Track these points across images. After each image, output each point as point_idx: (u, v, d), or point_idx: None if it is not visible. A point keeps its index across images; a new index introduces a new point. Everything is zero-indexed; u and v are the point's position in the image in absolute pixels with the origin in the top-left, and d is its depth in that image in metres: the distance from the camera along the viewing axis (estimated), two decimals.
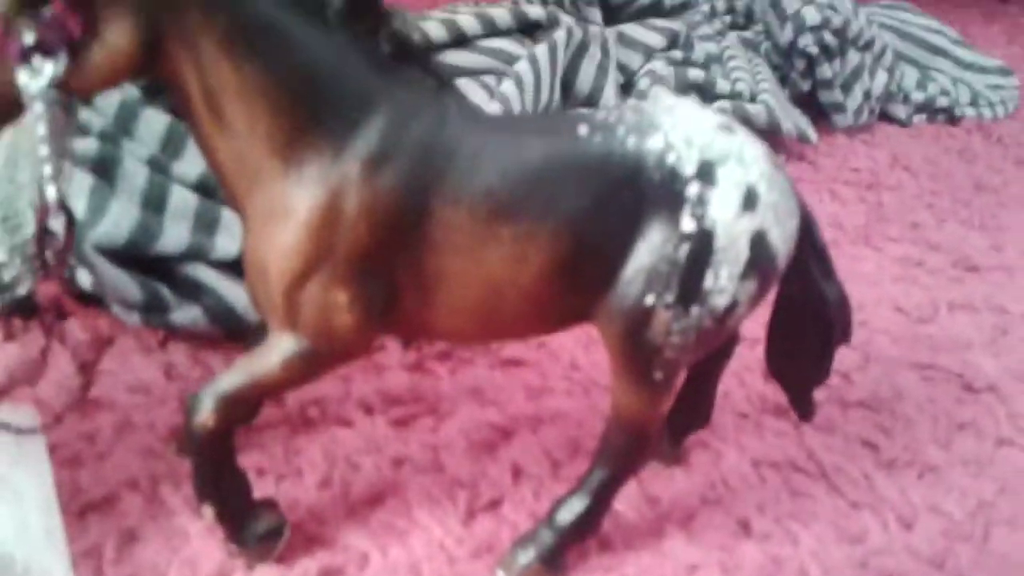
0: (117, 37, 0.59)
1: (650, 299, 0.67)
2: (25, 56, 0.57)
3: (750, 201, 0.67)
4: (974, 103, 2.09)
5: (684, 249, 0.66)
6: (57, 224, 0.64)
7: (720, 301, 0.67)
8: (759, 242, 0.67)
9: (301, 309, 0.65)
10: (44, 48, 0.58)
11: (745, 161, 0.68)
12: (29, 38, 0.57)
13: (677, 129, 0.68)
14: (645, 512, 0.85)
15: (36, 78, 0.58)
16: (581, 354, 1.05)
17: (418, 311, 0.68)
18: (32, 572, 0.65)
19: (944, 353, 1.16)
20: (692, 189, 0.66)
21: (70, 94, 0.61)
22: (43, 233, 0.64)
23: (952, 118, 2.04)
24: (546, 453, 0.90)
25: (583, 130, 0.68)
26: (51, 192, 0.63)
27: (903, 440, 0.99)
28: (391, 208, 0.64)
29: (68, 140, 0.65)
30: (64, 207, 0.64)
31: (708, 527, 0.84)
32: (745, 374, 1.04)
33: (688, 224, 0.66)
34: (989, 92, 2.13)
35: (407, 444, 0.88)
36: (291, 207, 0.64)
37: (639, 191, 0.67)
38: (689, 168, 0.67)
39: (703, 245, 0.66)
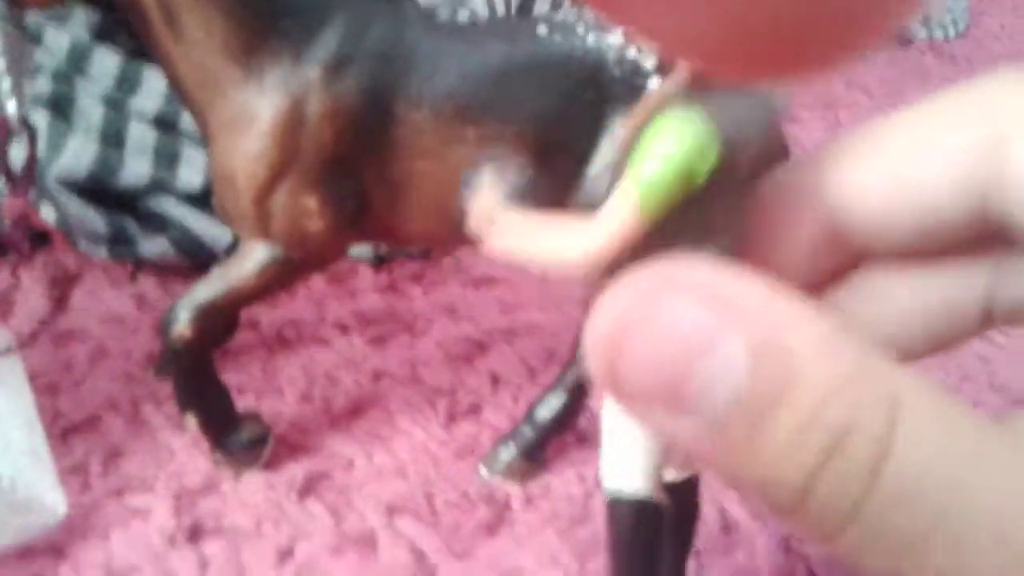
0: None
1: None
2: None
3: None
4: (925, 24, 2.12)
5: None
6: (19, 139, 0.64)
7: None
8: None
9: (271, 216, 0.66)
10: None
11: None
12: None
13: None
14: None
15: None
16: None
17: (388, 214, 0.68)
18: (19, 487, 0.65)
19: None
20: (653, 83, 0.67)
21: (22, 7, 0.60)
22: (4, 149, 0.64)
23: (905, 40, 2.06)
24: (522, 361, 0.91)
25: (542, 30, 0.68)
26: (11, 107, 0.62)
27: None
28: (354, 111, 0.64)
29: (26, 58, 0.64)
30: (25, 122, 0.64)
31: None
32: None
33: None
34: (940, 13, 2.16)
35: (385, 359, 0.89)
36: (254, 115, 0.63)
37: (601, 88, 0.67)
38: (649, 62, 0.67)
39: None
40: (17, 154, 0.65)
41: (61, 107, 1.00)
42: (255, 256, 0.68)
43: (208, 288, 0.68)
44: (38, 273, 0.91)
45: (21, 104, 0.63)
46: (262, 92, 0.63)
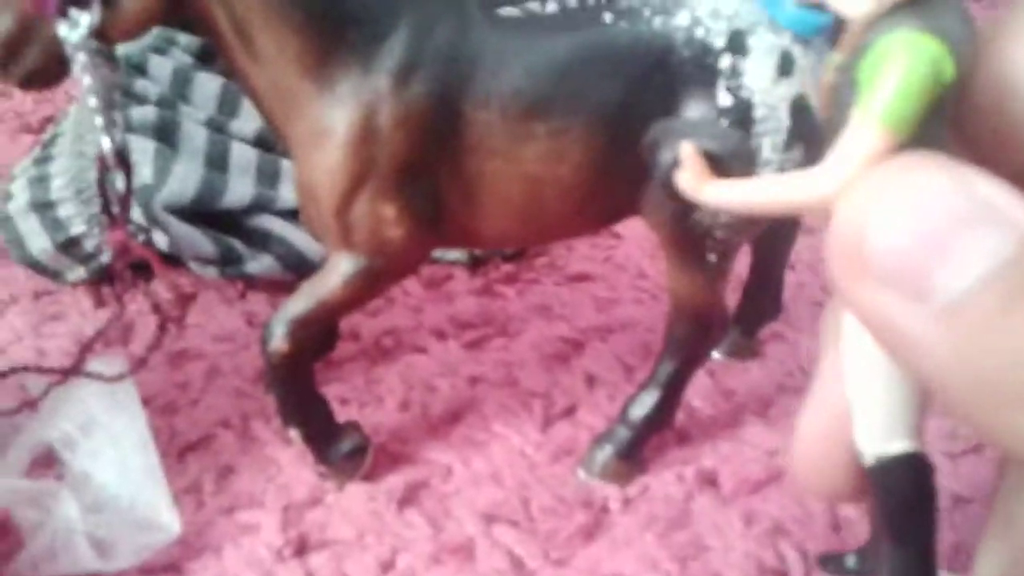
0: None
1: None
2: (62, 9, 0.60)
3: (786, 66, 0.65)
4: None
5: (723, 124, 0.65)
6: (116, 174, 0.67)
7: (765, 170, 0.66)
8: (800, 108, 0.65)
9: (353, 226, 0.67)
10: (79, 1, 0.60)
11: (776, 26, 0.66)
12: None
13: (703, 3, 0.66)
14: (721, 405, 0.85)
15: (75, 29, 0.60)
16: (648, 264, 1.05)
17: (464, 217, 0.69)
18: (137, 507, 0.69)
19: None
20: (724, 62, 0.65)
21: (110, 42, 0.63)
22: (103, 182, 0.67)
23: None
24: (618, 359, 0.91)
25: (607, 18, 0.67)
26: (105, 142, 0.66)
27: None
28: (424, 116, 0.64)
29: (115, 91, 0.67)
30: (120, 155, 0.67)
31: (786, 414, 0.83)
32: (817, 265, 1.02)
33: (724, 98, 0.65)
34: None
35: (481, 364, 0.90)
36: (329, 128, 0.65)
37: (671, 72, 0.66)
38: (719, 41, 0.65)
39: (742, 117, 0.65)
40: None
41: (167, 133, 1.05)
42: (340, 268, 0.69)
43: (299, 302, 0.70)
44: (155, 298, 0.96)
45: (114, 139, 0.66)
46: (335, 104, 0.65)
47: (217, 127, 1.06)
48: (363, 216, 0.66)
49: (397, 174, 0.65)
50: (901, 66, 0.32)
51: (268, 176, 1.05)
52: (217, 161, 1.04)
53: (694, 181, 0.53)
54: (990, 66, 0.34)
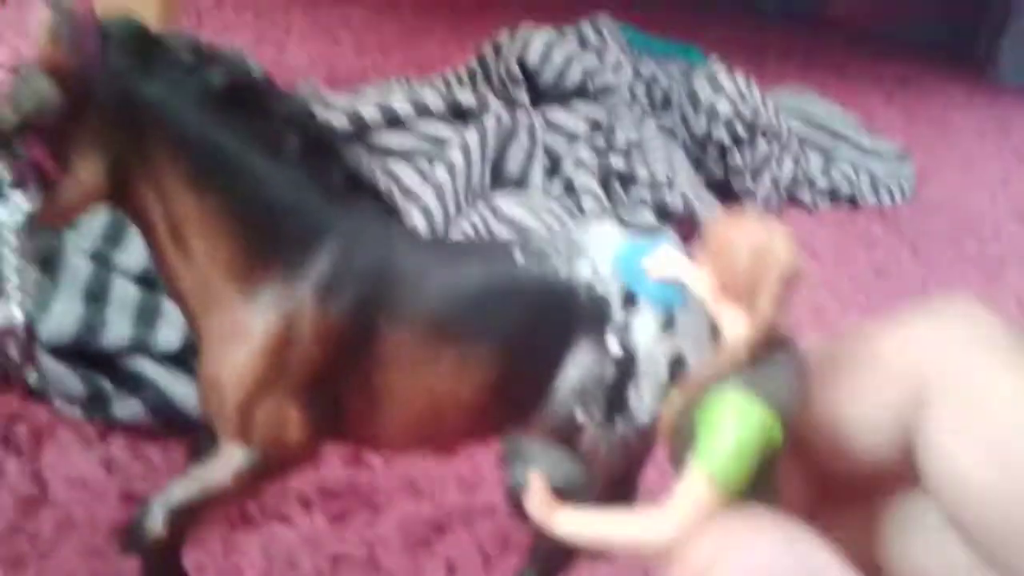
0: (88, 176, 0.63)
1: (580, 415, 0.73)
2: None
3: (668, 325, 0.74)
4: (874, 189, 2.24)
5: (610, 370, 0.73)
6: (19, 341, 0.68)
7: (643, 417, 0.74)
8: (678, 361, 0.74)
9: (254, 424, 0.69)
10: (20, 186, 0.61)
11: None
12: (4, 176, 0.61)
13: (604, 260, 0.75)
14: None
15: (12, 214, 0.61)
16: None
17: (365, 423, 0.73)
18: None
19: None
20: (617, 315, 0.73)
21: (44, 226, 0.64)
22: (5, 351, 0.67)
23: (855, 203, 2.18)
24: (478, 548, 0.94)
25: (518, 257, 0.74)
26: (18, 314, 0.66)
27: None
28: (342, 331, 0.69)
29: (33, 266, 0.68)
30: (28, 327, 0.67)
31: None
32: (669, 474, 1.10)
33: (614, 347, 0.73)
34: (888, 178, 2.29)
35: (344, 540, 0.92)
36: (247, 330, 0.68)
37: (569, 315, 0.73)
38: (614, 295, 0.73)
39: (627, 366, 0.73)
40: None
41: (49, 263, 1.03)
42: (233, 460, 0.71)
43: (184, 488, 0.71)
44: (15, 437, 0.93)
45: (27, 314, 0.67)
46: (256, 310, 0.68)
47: (102, 260, 1.06)
48: (266, 416, 0.69)
49: (307, 381, 0.68)
50: (732, 431, 0.37)
51: (148, 316, 1.05)
52: (97, 296, 1.03)
53: (544, 510, 0.53)
54: (820, 414, 0.41)
